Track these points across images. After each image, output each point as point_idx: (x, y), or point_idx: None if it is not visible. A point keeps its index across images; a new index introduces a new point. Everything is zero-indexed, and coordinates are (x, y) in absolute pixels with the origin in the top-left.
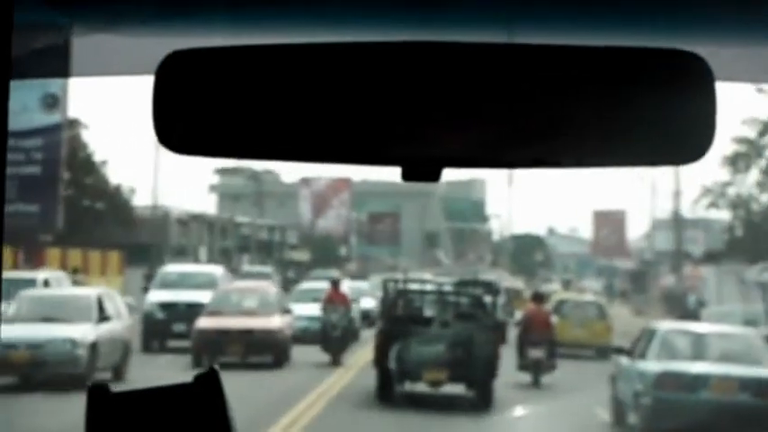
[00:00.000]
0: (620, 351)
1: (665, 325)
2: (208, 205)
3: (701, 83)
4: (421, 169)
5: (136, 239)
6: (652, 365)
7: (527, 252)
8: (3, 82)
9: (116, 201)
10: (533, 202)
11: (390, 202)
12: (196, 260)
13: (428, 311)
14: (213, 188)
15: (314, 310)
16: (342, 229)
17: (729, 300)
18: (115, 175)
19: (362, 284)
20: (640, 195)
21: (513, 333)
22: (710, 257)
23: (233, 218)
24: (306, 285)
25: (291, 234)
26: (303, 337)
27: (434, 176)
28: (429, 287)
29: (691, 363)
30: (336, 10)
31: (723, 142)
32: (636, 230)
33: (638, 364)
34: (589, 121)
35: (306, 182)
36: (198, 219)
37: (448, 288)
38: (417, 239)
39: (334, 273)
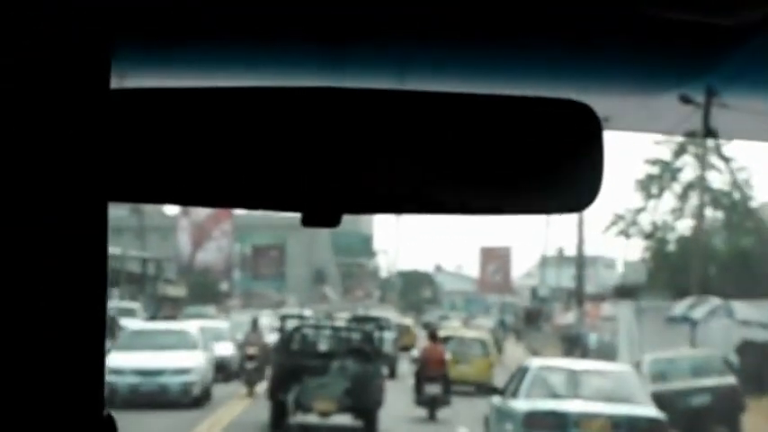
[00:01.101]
0: (494, 390)
1: (538, 362)
2: None
3: (589, 132)
4: (320, 215)
5: None
6: (522, 404)
7: (415, 289)
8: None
9: None
10: (420, 238)
11: (275, 235)
12: None
13: (321, 346)
14: None
15: (149, 360)
16: (223, 263)
17: (651, 341)
18: None
19: (220, 324)
20: (531, 230)
21: (404, 367)
22: (622, 293)
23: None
24: (141, 325)
25: (170, 267)
26: (131, 399)
27: (334, 222)
28: (324, 323)
29: (561, 401)
30: (243, 55)
31: (635, 163)
32: (521, 267)
33: (510, 402)
34: (481, 169)
35: (185, 212)
36: None
37: (340, 324)
38: (304, 274)
39: (211, 310)
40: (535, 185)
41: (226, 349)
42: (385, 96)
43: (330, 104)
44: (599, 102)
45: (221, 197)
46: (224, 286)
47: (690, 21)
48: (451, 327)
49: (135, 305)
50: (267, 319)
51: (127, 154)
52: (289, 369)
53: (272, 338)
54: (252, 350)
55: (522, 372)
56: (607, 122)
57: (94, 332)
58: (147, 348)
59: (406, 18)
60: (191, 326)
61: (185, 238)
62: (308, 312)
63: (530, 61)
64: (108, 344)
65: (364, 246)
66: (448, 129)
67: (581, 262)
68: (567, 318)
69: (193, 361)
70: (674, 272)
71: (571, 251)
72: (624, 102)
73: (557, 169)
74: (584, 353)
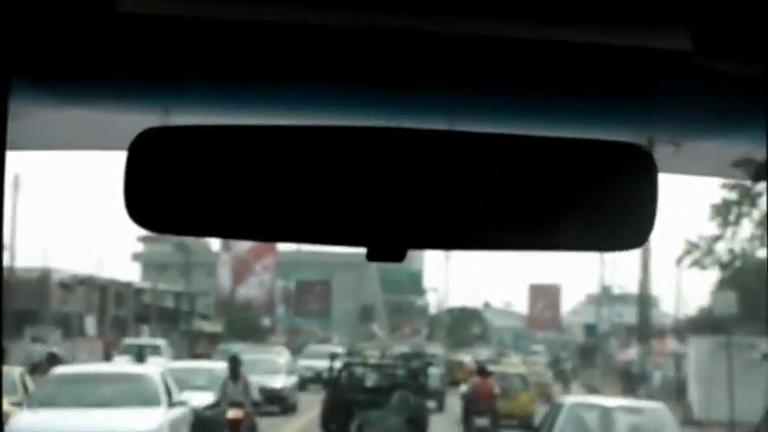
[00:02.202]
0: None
1: (572, 399)
2: (132, 275)
3: (645, 174)
4: (385, 250)
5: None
6: None
7: (464, 325)
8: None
9: None
10: (469, 274)
11: (321, 271)
12: (81, 332)
13: (368, 381)
14: (136, 257)
15: (79, 423)
16: (265, 298)
17: (743, 380)
18: None
19: (215, 365)
20: (575, 268)
21: (453, 401)
22: (700, 328)
23: (131, 283)
24: (74, 368)
25: (206, 302)
26: None
27: (399, 257)
28: (371, 360)
29: None
30: (305, 94)
31: (711, 188)
32: (566, 304)
33: None
34: (540, 207)
35: (226, 246)
36: (86, 282)
37: (386, 361)
38: (351, 311)
39: (242, 346)
40: (591, 224)
41: (207, 399)
42: (447, 137)
43: (395, 143)
44: (655, 144)
45: (288, 232)
46: (266, 322)
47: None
48: (509, 363)
49: (160, 342)
50: (283, 358)
51: (204, 188)
52: (339, 403)
53: (287, 383)
54: (233, 413)
55: (556, 409)
56: (665, 165)
57: None
58: (78, 404)
59: (457, 63)
60: (151, 370)
61: (225, 272)
62: (339, 349)
63: (592, 104)
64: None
65: (414, 283)
66: (510, 168)
67: (645, 297)
68: (627, 354)
69: (150, 423)
70: (758, 304)
71: (617, 289)
72: (684, 145)
73: (612, 209)
74: (649, 391)
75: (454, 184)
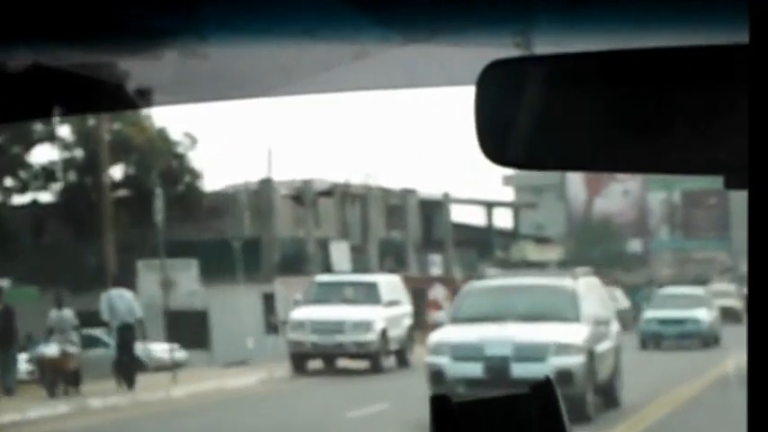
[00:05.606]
0: None
1: None
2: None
3: None
4: None
5: (205, 232)
6: None
7: None
8: None
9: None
10: None
11: (713, 178)
12: (327, 266)
13: None
14: (508, 180)
15: None
16: (634, 214)
17: None
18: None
19: None
20: None
21: None
22: None
23: (414, 190)
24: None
25: (532, 219)
26: None
27: None
28: None
29: None
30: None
31: None
32: None
33: None
34: None
35: None
36: (334, 192)
37: None
38: None
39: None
40: None
41: None
42: None
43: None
44: None
45: (659, 162)
46: (634, 246)
47: None
48: None
49: (379, 279)
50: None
51: (562, 120)
52: None
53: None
54: None
55: None
56: None
57: None
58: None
59: None
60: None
61: (577, 179)
62: None
63: None
64: None
65: None
66: None
67: None
68: None
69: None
70: None
71: None
72: None
73: None
74: None
75: None
